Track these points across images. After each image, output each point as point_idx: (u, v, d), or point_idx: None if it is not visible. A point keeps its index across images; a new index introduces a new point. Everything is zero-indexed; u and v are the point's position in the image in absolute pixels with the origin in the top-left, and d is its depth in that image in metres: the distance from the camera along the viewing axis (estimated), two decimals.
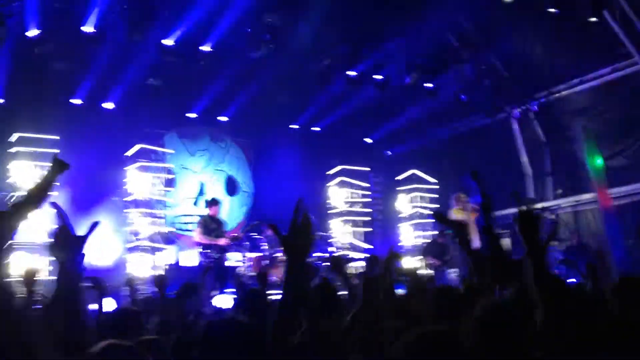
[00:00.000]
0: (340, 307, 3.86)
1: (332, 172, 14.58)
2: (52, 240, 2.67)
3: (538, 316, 2.46)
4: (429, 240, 13.10)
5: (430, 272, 12.78)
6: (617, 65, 11.50)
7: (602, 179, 4.73)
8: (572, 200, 12.80)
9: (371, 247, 14.19)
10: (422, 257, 12.67)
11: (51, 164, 3.18)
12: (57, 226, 2.71)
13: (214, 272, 10.43)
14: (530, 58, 12.58)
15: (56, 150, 10.08)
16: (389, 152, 15.86)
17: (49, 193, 3.06)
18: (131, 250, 11.92)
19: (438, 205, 14.28)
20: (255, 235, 12.03)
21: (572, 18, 10.63)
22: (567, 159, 12.95)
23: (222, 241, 10.79)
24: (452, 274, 11.78)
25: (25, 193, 3.39)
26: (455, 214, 12.04)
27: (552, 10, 10.26)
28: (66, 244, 2.63)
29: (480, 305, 2.74)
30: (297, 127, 14.73)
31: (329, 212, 14.52)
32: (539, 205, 13.28)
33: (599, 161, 4.96)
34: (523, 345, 2.51)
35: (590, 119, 12.28)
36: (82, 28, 10.49)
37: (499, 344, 2.50)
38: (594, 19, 10.34)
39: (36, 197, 3.06)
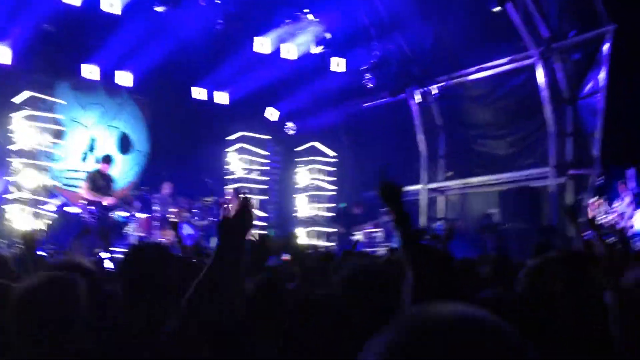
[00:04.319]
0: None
1: (232, 137, 14.35)
2: None
3: (409, 278, 2.52)
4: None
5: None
6: (514, 57, 11.94)
7: None
8: (460, 182, 13.32)
9: (266, 215, 14.14)
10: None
11: None
12: None
13: (97, 231, 10.00)
14: (435, 43, 12.87)
15: None
16: (292, 125, 15.77)
17: None
18: (10, 201, 11.27)
19: (335, 179, 14.46)
20: (147, 193, 11.66)
21: (477, 7, 10.92)
22: (459, 143, 13.44)
23: (108, 200, 10.35)
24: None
25: None
26: None
27: None
28: None
29: (348, 267, 2.81)
30: (199, 89, 14.33)
31: (225, 177, 14.31)
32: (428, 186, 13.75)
33: None
34: (389, 300, 2.55)
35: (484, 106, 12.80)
36: None
37: (364, 299, 2.54)
38: (497, 9, 10.64)
39: None
